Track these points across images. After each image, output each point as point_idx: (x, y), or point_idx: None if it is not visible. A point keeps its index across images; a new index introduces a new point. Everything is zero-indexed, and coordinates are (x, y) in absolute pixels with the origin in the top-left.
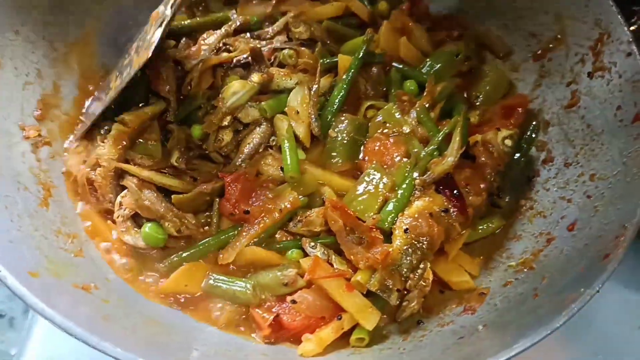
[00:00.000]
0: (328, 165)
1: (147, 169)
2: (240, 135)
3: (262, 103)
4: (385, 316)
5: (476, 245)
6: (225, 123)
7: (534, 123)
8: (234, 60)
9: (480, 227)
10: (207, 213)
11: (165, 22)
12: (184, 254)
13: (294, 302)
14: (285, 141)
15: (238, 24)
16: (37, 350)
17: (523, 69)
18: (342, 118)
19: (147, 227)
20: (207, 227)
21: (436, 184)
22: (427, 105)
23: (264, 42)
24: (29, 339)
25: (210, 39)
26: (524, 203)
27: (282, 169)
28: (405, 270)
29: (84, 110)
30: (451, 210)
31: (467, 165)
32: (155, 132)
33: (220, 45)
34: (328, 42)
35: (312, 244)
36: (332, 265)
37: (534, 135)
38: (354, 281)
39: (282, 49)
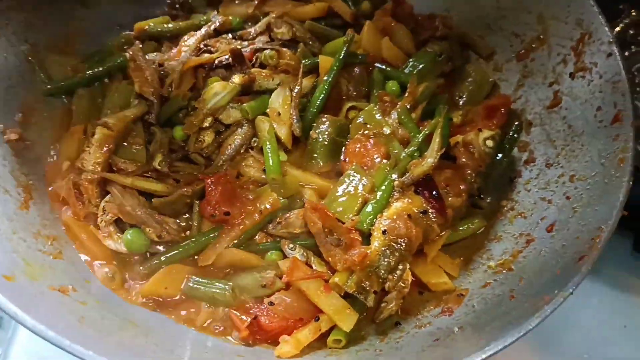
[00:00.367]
0: (309, 166)
1: (130, 175)
2: (221, 136)
3: (244, 104)
4: (364, 317)
5: (457, 246)
6: (207, 124)
7: (516, 123)
8: (216, 62)
9: (461, 228)
10: (187, 215)
11: None
12: (164, 257)
13: (271, 303)
14: (267, 142)
15: (218, 24)
16: (23, 349)
17: (506, 69)
18: (324, 119)
19: (129, 233)
20: (188, 232)
21: (415, 185)
22: (408, 106)
23: (245, 43)
24: (15, 338)
25: (190, 40)
26: (505, 204)
27: (264, 170)
28: (383, 271)
29: None
30: (430, 211)
31: (447, 166)
32: (140, 136)
33: (202, 46)
34: (310, 42)
35: (291, 245)
36: (311, 266)
37: (516, 136)
38: (332, 283)
39: (264, 49)
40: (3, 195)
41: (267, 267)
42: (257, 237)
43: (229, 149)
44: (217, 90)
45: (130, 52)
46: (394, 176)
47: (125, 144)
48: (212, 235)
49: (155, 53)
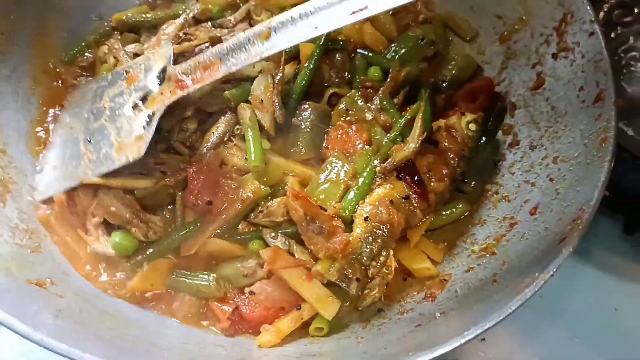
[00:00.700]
0: (292, 154)
1: (116, 177)
2: (205, 125)
3: (226, 92)
4: (347, 305)
5: (441, 232)
6: (189, 113)
7: (500, 106)
8: (196, 50)
9: (445, 212)
10: (171, 206)
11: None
12: (149, 251)
13: (252, 293)
14: (249, 130)
15: (196, 11)
16: (9, 345)
17: (489, 51)
18: (306, 106)
19: (117, 236)
20: (173, 226)
21: (397, 170)
22: (390, 92)
23: (225, 31)
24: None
25: (169, 28)
26: (489, 188)
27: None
28: (365, 258)
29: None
30: (412, 196)
31: (430, 151)
32: None
33: (181, 35)
34: None
35: (273, 234)
36: (293, 255)
37: (500, 119)
38: (314, 271)
39: None
40: None
41: (249, 257)
42: (239, 226)
43: (212, 136)
44: None
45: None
46: (376, 162)
47: None
48: (193, 227)
49: (134, 44)
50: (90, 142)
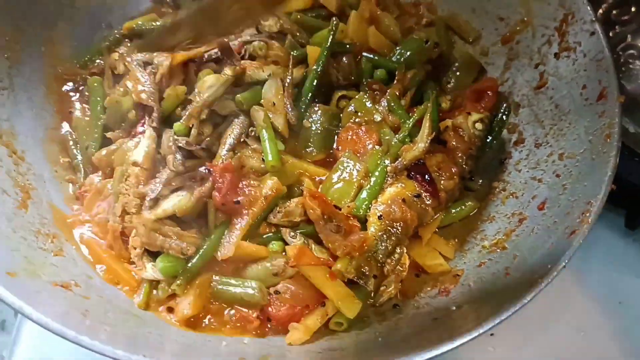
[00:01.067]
0: (303, 155)
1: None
2: (220, 127)
3: (238, 95)
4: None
5: (451, 228)
6: (204, 116)
7: (504, 105)
8: (205, 56)
9: (454, 210)
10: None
11: None
12: (190, 265)
13: (277, 292)
14: (264, 131)
15: None
16: (27, 352)
17: (492, 52)
18: (316, 108)
19: (162, 261)
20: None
21: (408, 170)
22: (397, 93)
23: (232, 37)
24: (19, 340)
25: None
26: (496, 185)
27: (263, 160)
28: (381, 256)
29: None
30: (423, 195)
31: (438, 150)
32: None
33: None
34: (298, 34)
35: (292, 233)
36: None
37: (505, 118)
38: (335, 269)
39: (252, 41)
40: (1, 195)
41: (275, 256)
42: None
43: (229, 138)
44: (211, 82)
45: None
46: (387, 162)
47: None
48: (222, 228)
49: (144, 52)
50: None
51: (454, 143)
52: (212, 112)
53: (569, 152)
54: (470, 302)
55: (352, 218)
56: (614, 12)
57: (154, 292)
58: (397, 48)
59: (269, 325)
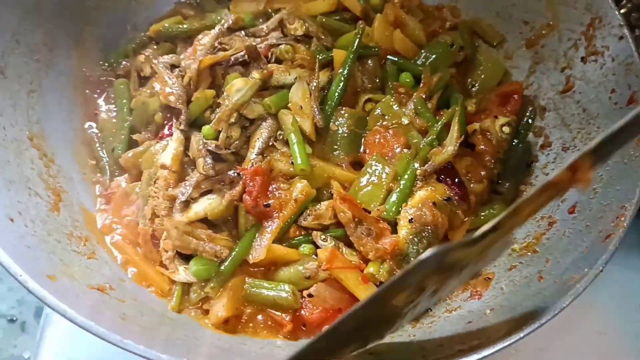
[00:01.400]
0: (330, 158)
1: (192, 210)
2: (248, 131)
3: (266, 99)
4: None
5: None
6: (232, 120)
7: (530, 109)
8: (232, 59)
9: (483, 213)
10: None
11: None
12: (223, 268)
13: (310, 295)
14: (292, 135)
15: (230, 22)
16: (52, 353)
17: (517, 56)
18: (342, 112)
19: (195, 264)
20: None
21: (437, 173)
22: (424, 96)
23: (258, 40)
24: (43, 342)
25: (205, 39)
26: (524, 188)
27: (292, 163)
28: (412, 259)
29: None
30: (453, 198)
31: (466, 153)
32: None
33: (216, 44)
34: (323, 37)
35: (323, 237)
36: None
37: (530, 121)
38: (367, 273)
39: (278, 44)
40: (34, 198)
41: (307, 259)
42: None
43: (258, 141)
44: (239, 86)
45: (146, 55)
46: (416, 165)
47: None
48: (253, 231)
49: (170, 55)
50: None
51: (482, 147)
52: (240, 116)
53: None
54: (504, 305)
55: (382, 221)
56: (634, 15)
57: (187, 295)
58: (423, 51)
59: (303, 329)
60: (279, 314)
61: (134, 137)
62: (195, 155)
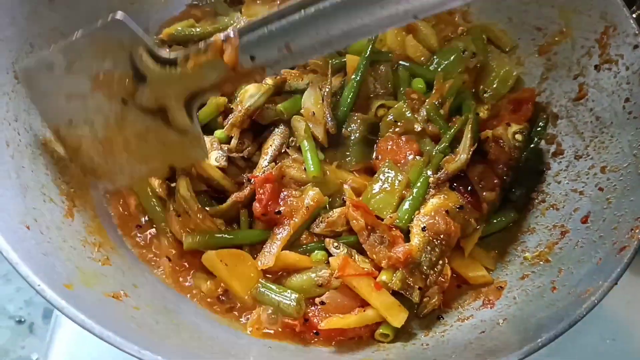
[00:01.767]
0: (342, 164)
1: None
2: (260, 137)
3: (279, 105)
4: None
5: (490, 239)
6: (245, 126)
7: (542, 116)
8: None
9: (494, 221)
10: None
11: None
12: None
13: (322, 303)
14: (305, 141)
15: (242, 24)
16: (61, 356)
17: (529, 62)
18: (355, 118)
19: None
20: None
21: (450, 181)
22: (436, 103)
23: None
24: (52, 345)
25: None
26: (535, 196)
27: (304, 169)
28: (425, 268)
29: None
30: (466, 206)
31: (479, 161)
32: None
33: None
34: None
35: (336, 244)
36: None
37: (542, 129)
38: (380, 281)
39: None
40: (49, 204)
41: (319, 267)
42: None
43: (270, 148)
44: (252, 91)
45: None
46: (429, 172)
47: None
48: (259, 232)
49: None
50: None
51: (495, 154)
52: (253, 121)
53: (612, 165)
54: (517, 315)
55: (394, 229)
56: None
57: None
58: (435, 57)
59: (315, 339)
60: (289, 320)
61: None
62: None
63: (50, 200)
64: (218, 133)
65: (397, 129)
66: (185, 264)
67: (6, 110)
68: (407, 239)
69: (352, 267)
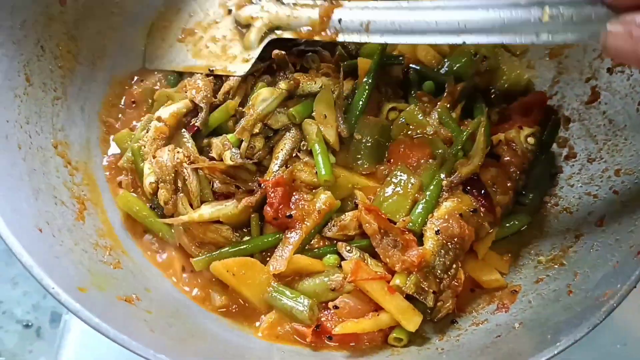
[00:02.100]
0: (354, 168)
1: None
2: (271, 141)
3: (291, 109)
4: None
5: (503, 243)
6: (257, 130)
7: (554, 119)
8: (261, 66)
9: (507, 224)
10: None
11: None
12: (223, 250)
13: (336, 307)
14: (316, 145)
15: None
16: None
17: (539, 65)
18: (366, 121)
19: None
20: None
21: (463, 184)
22: (448, 106)
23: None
24: (62, 349)
25: None
26: (548, 200)
27: (316, 173)
28: (439, 271)
29: None
30: (480, 209)
31: (491, 164)
32: None
33: None
34: (347, 45)
35: (348, 248)
36: None
37: (554, 132)
38: (394, 285)
39: (307, 52)
40: (60, 207)
41: (332, 271)
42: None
43: (281, 153)
44: (265, 96)
45: None
46: (442, 176)
47: None
48: (271, 238)
49: None
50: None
51: (508, 157)
52: (264, 126)
53: (626, 168)
54: (533, 319)
55: (407, 232)
56: None
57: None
58: (446, 60)
59: (329, 343)
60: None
61: None
62: (221, 151)
63: (62, 203)
64: (229, 137)
65: (409, 132)
66: (199, 279)
67: (18, 113)
68: (420, 242)
69: (365, 271)
